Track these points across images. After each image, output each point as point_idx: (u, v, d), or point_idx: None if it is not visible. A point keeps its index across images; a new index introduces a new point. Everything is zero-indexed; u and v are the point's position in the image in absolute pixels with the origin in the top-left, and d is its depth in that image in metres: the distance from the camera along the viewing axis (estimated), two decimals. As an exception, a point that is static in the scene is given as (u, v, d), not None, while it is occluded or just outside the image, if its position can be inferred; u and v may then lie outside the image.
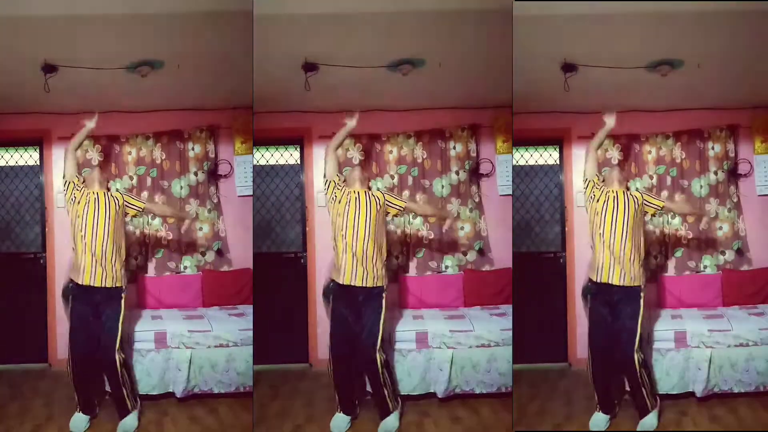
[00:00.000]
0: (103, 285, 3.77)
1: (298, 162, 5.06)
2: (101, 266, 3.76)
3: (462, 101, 4.75)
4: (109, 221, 3.78)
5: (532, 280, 4.82)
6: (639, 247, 3.78)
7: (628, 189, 3.94)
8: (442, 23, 3.53)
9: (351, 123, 3.96)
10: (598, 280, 3.78)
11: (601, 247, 3.77)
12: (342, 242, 3.82)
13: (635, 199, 3.83)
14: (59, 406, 3.91)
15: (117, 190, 3.99)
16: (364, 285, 3.80)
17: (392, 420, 3.83)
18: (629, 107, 4.79)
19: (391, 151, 4.89)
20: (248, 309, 4.43)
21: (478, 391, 4.18)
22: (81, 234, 3.77)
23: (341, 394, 3.86)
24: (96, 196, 3.82)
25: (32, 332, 4.94)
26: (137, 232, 4.82)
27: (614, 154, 4.85)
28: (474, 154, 4.94)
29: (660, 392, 4.11)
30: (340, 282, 3.84)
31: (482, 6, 3.40)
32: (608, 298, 3.77)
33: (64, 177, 3.90)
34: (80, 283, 3.77)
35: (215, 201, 4.97)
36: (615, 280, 3.74)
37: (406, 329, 4.27)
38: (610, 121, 3.93)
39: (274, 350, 4.87)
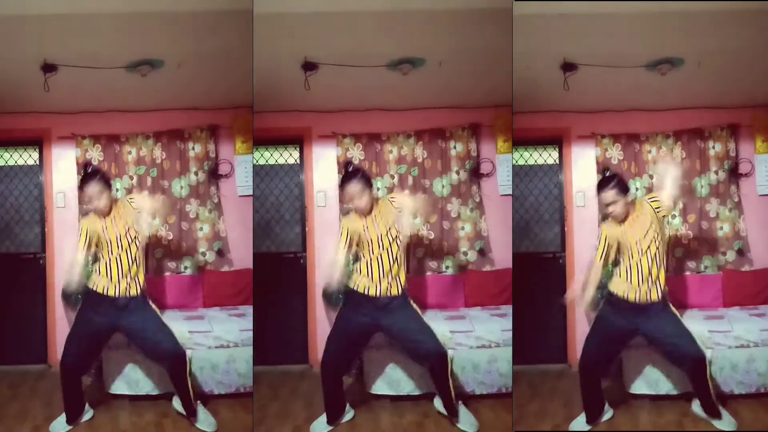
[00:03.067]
0: (127, 294, 3.70)
1: (298, 162, 5.06)
2: (126, 279, 3.69)
3: (462, 101, 4.75)
4: (130, 232, 3.69)
5: (532, 281, 4.82)
6: (664, 260, 3.67)
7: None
8: (442, 22, 3.53)
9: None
10: (626, 297, 3.65)
11: (627, 270, 3.66)
12: (363, 260, 3.73)
13: (649, 214, 3.64)
14: (59, 407, 3.89)
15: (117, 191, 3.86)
16: (388, 294, 3.71)
17: (467, 414, 3.80)
18: (629, 107, 4.80)
19: (391, 151, 4.89)
20: (248, 309, 4.42)
21: (478, 392, 4.17)
22: (107, 254, 3.68)
23: (332, 401, 3.80)
24: (111, 217, 3.70)
25: (32, 333, 4.94)
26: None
27: (614, 154, 4.85)
28: (474, 154, 4.94)
29: (660, 393, 4.10)
30: (361, 291, 3.73)
31: (482, 5, 3.41)
32: (630, 313, 3.66)
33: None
34: (100, 292, 3.70)
35: (216, 201, 4.96)
36: (651, 298, 3.64)
37: (406, 329, 4.25)
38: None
39: (274, 351, 4.87)
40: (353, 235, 3.70)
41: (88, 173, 3.71)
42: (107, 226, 3.68)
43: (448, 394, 3.75)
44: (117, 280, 3.68)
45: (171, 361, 3.74)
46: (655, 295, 3.63)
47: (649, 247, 3.61)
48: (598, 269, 3.73)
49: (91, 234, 3.68)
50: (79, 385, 3.83)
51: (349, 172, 3.74)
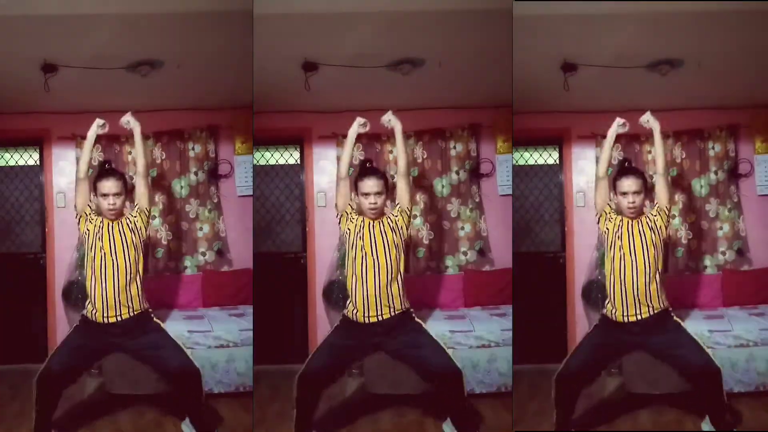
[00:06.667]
0: (119, 320, 3.36)
1: (298, 162, 5.06)
2: (116, 301, 3.35)
3: (462, 101, 4.75)
4: (127, 252, 3.37)
5: (532, 280, 4.82)
6: (660, 275, 3.34)
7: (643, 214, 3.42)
8: (442, 23, 3.53)
9: (353, 130, 3.45)
10: (615, 318, 3.34)
11: (619, 286, 3.32)
12: (352, 278, 3.36)
13: (649, 223, 3.34)
14: (58, 407, 3.88)
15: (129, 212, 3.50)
16: (381, 319, 3.34)
17: None
18: (629, 107, 4.78)
19: (391, 151, 4.89)
20: (248, 309, 4.42)
21: (478, 391, 4.18)
22: (92, 267, 3.36)
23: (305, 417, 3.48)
24: (110, 225, 3.40)
25: (32, 332, 4.94)
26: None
27: (614, 154, 4.85)
28: (474, 154, 4.94)
29: (661, 392, 4.11)
30: (352, 319, 3.37)
31: (482, 6, 3.41)
32: (626, 336, 3.36)
33: (75, 208, 3.46)
34: (91, 319, 3.37)
35: (215, 201, 4.97)
36: (641, 315, 3.32)
37: (406, 329, 4.25)
38: (613, 128, 3.42)
39: (274, 350, 4.87)
40: (352, 232, 3.37)
41: (106, 169, 3.45)
42: (109, 231, 3.38)
43: (463, 416, 3.46)
44: (102, 305, 3.34)
45: (182, 380, 3.47)
46: (649, 309, 3.32)
47: (644, 265, 3.31)
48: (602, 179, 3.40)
49: (91, 236, 3.38)
50: (55, 401, 3.50)
51: (369, 168, 3.46)
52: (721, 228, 4.83)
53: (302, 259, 5.03)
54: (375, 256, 3.34)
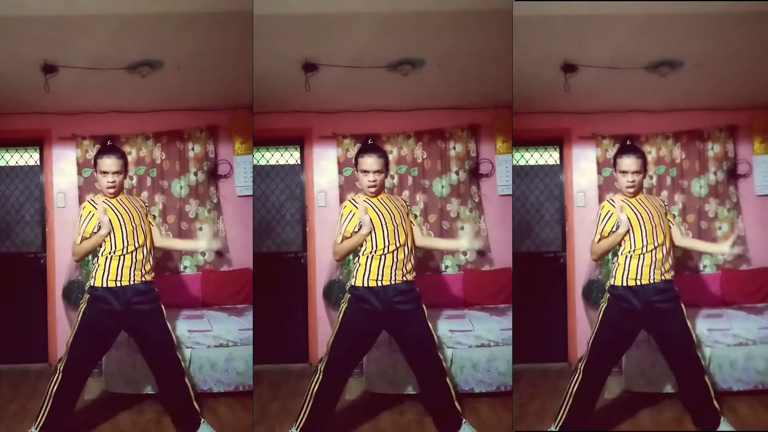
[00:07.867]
0: (131, 282, 3.35)
1: (299, 162, 5.07)
2: (129, 268, 3.36)
3: (462, 101, 4.76)
4: (134, 221, 3.37)
5: (532, 280, 4.83)
6: (671, 250, 3.39)
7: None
8: (442, 23, 3.54)
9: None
10: (626, 284, 3.34)
11: (631, 247, 3.34)
12: (371, 243, 3.32)
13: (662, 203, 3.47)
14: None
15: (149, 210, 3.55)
16: (394, 282, 3.31)
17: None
18: (629, 107, 4.81)
19: (390, 151, 4.89)
20: (248, 309, 4.43)
21: (477, 391, 4.19)
22: (115, 241, 3.33)
23: (324, 406, 3.41)
24: (117, 201, 3.38)
25: (32, 332, 4.94)
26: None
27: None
28: (474, 155, 4.95)
29: (661, 391, 4.12)
30: (367, 285, 3.32)
31: (482, 6, 3.42)
32: (637, 303, 3.34)
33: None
34: (104, 285, 3.33)
35: (215, 201, 4.97)
36: (655, 278, 3.33)
37: (406, 329, 4.25)
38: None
39: (274, 350, 4.88)
40: (357, 218, 3.32)
41: (108, 146, 3.38)
42: (116, 207, 3.36)
43: (446, 403, 3.46)
44: (117, 269, 3.34)
45: (164, 364, 3.49)
46: (659, 277, 3.32)
47: (658, 227, 3.34)
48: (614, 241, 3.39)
49: (95, 217, 3.32)
50: (77, 393, 3.49)
51: (370, 145, 3.40)
52: (720, 228, 4.84)
53: (302, 259, 5.03)
54: (393, 232, 3.33)
